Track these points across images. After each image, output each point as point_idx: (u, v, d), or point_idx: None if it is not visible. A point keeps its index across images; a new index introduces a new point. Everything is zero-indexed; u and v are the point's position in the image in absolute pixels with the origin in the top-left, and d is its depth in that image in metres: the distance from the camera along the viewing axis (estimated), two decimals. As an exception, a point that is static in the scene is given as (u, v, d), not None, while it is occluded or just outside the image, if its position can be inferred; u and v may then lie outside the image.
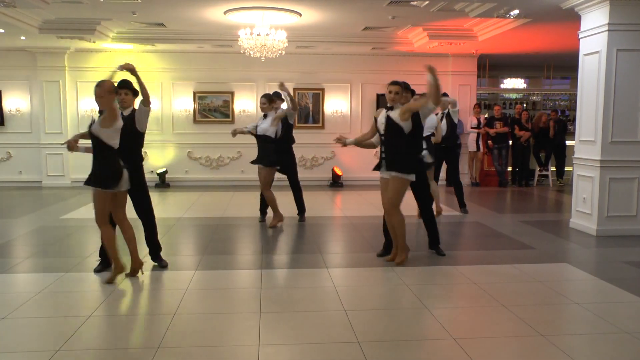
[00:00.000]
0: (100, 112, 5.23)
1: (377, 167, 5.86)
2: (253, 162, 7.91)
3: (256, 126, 7.90)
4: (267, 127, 7.72)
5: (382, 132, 5.70)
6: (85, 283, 5.30)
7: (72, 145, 5.24)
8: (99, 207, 5.17)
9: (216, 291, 5.04)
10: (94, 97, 5.10)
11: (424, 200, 6.34)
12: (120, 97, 5.37)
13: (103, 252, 5.65)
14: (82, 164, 12.57)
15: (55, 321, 4.27)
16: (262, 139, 7.77)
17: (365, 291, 5.07)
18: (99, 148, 5.09)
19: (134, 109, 5.47)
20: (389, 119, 5.65)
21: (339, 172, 12.90)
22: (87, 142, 5.19)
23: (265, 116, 7.81)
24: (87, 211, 9.30)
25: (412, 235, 7.00)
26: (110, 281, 5.19)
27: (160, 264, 5.74)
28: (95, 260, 5.83)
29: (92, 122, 5.14)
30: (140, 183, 5.55)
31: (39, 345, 3.77)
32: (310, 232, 7.65)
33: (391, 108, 5.70)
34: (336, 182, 12.85)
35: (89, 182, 5.11)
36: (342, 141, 6.07)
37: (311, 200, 9.47)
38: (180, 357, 3.62)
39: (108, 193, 5.14)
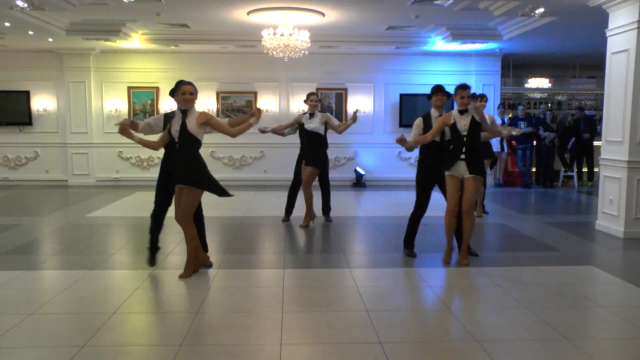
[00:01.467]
0: (183, 111, 5.26)
1: (449, 166, 5.81)
2: (307, 163, 7.80)
3: (294, 126, 8.00)
4: (318, 125, 7.78)
5: (464, 133, 5.74)
6: (110, 280, 5.38)
7: (125, 128, 5.17)
8: (194, 204, 5.34)
9: (238, 290, 5.06)
10: (183, 95, 5.20)
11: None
12: (185, 96, 5.37)
13: (152, 249, 5.75)
14: (106, 164, 12.81)
15: (80, 317, 4.33)
16: (310, 138, 7.77)
17: (387, 292, 5.05)
18: (195, 146, 5.28)
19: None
20: (473, 121, 5.75)
21: (361, 172, 12.86)
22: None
23: (312, 115, 7.81)
24: (111, 209, 9.44)
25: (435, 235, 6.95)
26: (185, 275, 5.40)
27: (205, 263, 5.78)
28: (120, 256, 5.90)
29: (169, 123, 5.27)
30: None
31: (65, 341, 3.83)
32: (332, 232, 7.65)
33: (465, 111, 5.77)
34: (359, 182, 12.82)
35: (187, 180, 5.24)
36: (402, 142, 5.99)
37: (334, 200, 9.45)
38: (202, 354, 3.65)
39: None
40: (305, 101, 7.96)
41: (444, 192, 6.13)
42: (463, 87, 5.82)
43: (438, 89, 6.07)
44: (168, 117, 5.46)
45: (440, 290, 5.01)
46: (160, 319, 4.38)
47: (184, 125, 5.22)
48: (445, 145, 5.95)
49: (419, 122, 6.10)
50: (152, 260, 5.73)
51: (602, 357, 3.63)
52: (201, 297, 4.82)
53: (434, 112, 6.05)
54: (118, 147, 12.82)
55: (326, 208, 8.32)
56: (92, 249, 6.69)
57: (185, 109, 5.24)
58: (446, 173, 5.83)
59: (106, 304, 4.60)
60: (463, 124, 5.74)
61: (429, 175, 6.04)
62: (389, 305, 4.64)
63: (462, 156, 5.73)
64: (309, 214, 7.90)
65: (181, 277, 5.32)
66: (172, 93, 5.44)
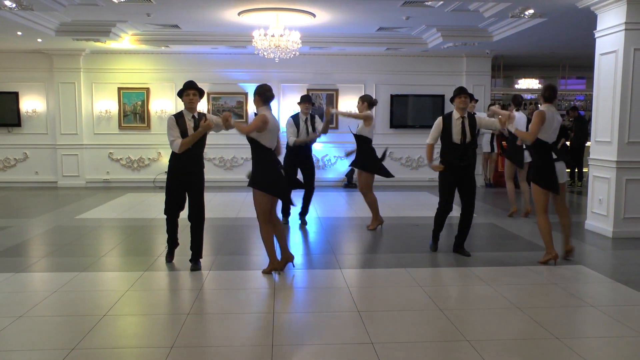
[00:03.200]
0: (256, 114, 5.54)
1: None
2: (370, 169, 7.61)
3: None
4: (362, 127, 7.53)
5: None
6: (100, 282, 5.35)
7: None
8: (259, 206, 5.45)
9: (230, 291, 5.05)
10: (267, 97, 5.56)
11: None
12: (189, 97, 5.49)
13: (170, 248, 5.88)
14: (96, 165, 12.75)
15: (70, 320, 4.31)
16: (363, 141, 7.57)
17: (378, 292, 5.06)
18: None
19: (201, 113, 5.70)
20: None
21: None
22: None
23: None
24: (102, 211, 9.39)
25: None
26: (266, 272, 5.52)
27: (197, 267, 5.72)
28: (110, 258, 5.87)
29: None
30: (203, 184, 5.72)
31: (55, 344, 3.81)
32: (323, 233, 7.65)
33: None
34: (350, 183, 12.83)
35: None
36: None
37: (325, 200, 9.48)
38: (193, 356, 3.64)
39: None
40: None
41: (462, 194, 6.19)
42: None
43: (462, 90, 6.02)
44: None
45: (431, 290, 5.02)
46: (151, 321, 4.36)
47: None
48: (469, 146, 6.04)
49: (439, 122, 6.06)
50: (169, 257, 5.90)
51: (593, 355, 3.65)
52: (192, 298, 4.80)
53: (455, 114, 6.02)
54: (108, 149, 12.76)
55: (305, 210, 8.17)
56: (82, 251, 6.65)
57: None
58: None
59: (96, 306, 4.58)
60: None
61: (452, 177, 6.07)
62: (380, 306, 4.65)
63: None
64: (377, 217, 7.76)
65: (263, 272, 5.55)
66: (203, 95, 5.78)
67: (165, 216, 5.83)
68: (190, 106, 5.59)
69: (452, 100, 6.12)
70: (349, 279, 5.38)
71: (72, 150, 12.68)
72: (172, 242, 5.94)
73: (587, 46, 8.95)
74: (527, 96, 15.32)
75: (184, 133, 5.48)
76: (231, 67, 12.78)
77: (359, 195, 11.46)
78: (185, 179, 5.56)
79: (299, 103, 7.97)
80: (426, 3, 8.41)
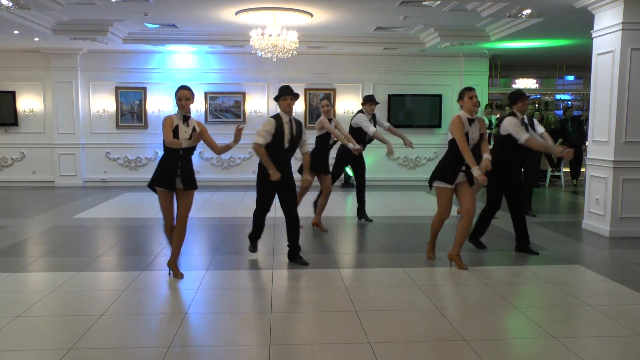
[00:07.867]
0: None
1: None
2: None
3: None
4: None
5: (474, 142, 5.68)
6: (97, 282, 5.35)
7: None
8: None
9: (227, 291, 5.05)
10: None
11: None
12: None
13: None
14: (93, 165, 12.73)
15: (68, 320, 4.30)
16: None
17: (376, 292, 5.06)
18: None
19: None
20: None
21: (350, 172, 12.85)
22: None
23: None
24: (99, 211, 9.38)
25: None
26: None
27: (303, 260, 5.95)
28: (107, 258, 5.86)
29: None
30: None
31: (52, 344, 3.81)
32: (321, 233, 7.64)
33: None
34: (348, 183, 12.83)
35: None
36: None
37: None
38: (191, 356, 3.64)
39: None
40: (363, 105, 8.04)
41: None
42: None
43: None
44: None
45: (428, 289, 5.03)
46: (149, 321, 4.36)
47: None
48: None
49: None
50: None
51: (590, 355, 3.66)
52: (189, 298, 4.80)
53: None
54: (105, 148, 12.75)
55: (362, 206, 8.42)
56: (80, 250, 6.64)
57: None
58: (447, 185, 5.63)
59: (94, 306, 4.57)
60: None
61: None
62: (377, 306, 4.65)
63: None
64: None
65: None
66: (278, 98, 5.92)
67: (254, 215, 6.22)
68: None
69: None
70: (347, 279, 5.38)
71: (69, 150, 12.66)
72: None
73: (584, 46, 8.97)
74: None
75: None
76: (229, 66, 12.77)
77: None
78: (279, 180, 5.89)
79: (362, 104, 8.14)
80: (423, 3, 8.41)
